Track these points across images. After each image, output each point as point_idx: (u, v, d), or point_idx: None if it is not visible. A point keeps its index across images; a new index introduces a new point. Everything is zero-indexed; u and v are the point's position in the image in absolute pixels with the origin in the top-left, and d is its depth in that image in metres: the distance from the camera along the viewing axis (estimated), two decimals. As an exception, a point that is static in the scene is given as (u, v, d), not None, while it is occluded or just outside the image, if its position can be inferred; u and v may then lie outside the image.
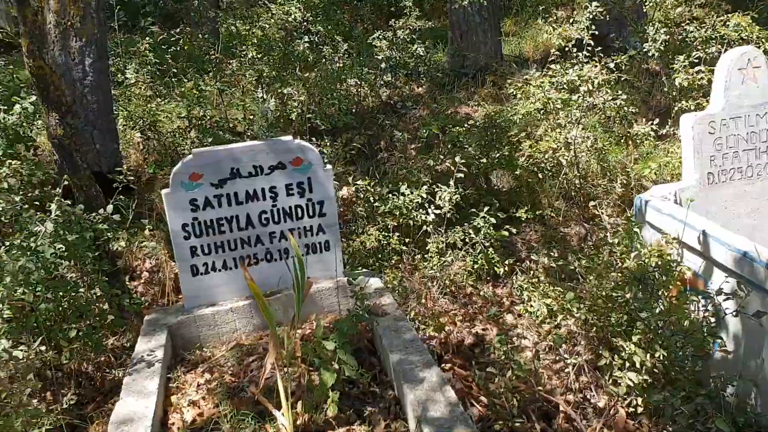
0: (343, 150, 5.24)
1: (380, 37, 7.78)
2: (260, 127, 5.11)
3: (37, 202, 4.75)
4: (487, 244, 4.26)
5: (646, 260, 3.43)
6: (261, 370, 3.11)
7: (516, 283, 3.72)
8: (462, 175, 4.29)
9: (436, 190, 4.38)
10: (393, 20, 8.44)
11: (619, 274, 3.40)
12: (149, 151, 6.11)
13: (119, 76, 7.19)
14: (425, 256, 4.50)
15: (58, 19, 5.37)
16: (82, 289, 3.63)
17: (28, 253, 2.95)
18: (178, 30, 6.64)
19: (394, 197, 4.42)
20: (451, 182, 4.30)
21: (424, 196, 4.36)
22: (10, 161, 4.79)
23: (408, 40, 8.00)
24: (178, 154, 5.52)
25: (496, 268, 4.35)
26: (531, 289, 3.57)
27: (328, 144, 5.11)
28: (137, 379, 2.94)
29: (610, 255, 3.56)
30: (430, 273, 4.34)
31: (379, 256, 4.57)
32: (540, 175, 4.84)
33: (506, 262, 4.35)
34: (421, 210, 4.46)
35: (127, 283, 4.58)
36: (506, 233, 4.32)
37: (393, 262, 4.55)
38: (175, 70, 6.50)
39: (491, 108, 7.04)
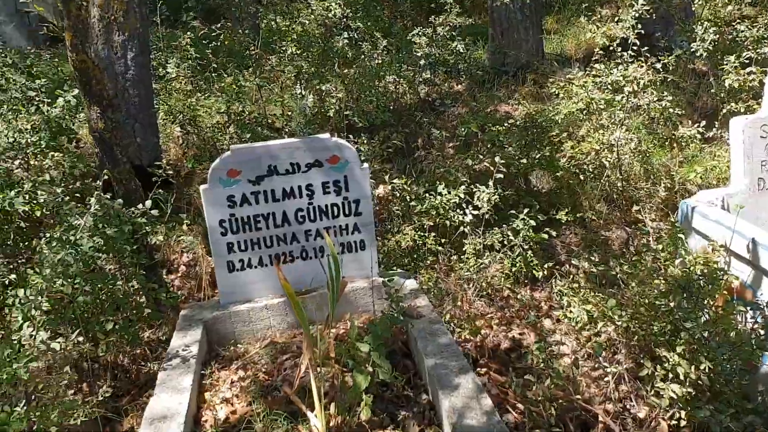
0: (380, 148, 5.19)
1: (420, 33, 7.72)
2: (298, 124, 5.09)
3: (77, 194, 4.83)
4: (525, 246, 4.17)
5: (692, 268, 3.32)
6: (294, 369, 3.09)
7: (556, 288, 3.63)
8: (501, 175, 4.21)
9: (475, 190, 4.31)
10: (433, 16, 8.36)
11: (663, 282, 3.30)
12: (188, 145, 6.15)
13: (160, 70, 7.26)
14: (461, 257, 4.43)
15: (101, 14, 5.43)
16: (119, 282, 3.66)
17: (68, 246, 2.97)
18: (219, 25, 6.66)
19: (431, 197, 4.36)
20: (490, 183, 4.22)
21: (462, 196, 4.29)
22: (52, 153, 4.86)
23: (448, 36, 7.92)
24: (216, 149, 5.54)
25: (534, 272, 4.26)
26: (571, 294, 3.49)
27: (365, 141, 5.07)
28: (172, 375, 2.94)
29: (654, 261, 3.45)
30: (466, 275, 4.27)
31: (415, 256, 4.52)
32: (581, 177, 4.73)
33: (545, 265, 4.27)
34: (458, 210, 4.39)
35: (165, 276, 4.61)
36: (546, 236, 4.22)
37: (428, 262, 4.49)
38: (215, 65, 6.52)
39: (532, 107, 6.95)
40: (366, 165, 3.55)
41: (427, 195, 4.40)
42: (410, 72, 7.30)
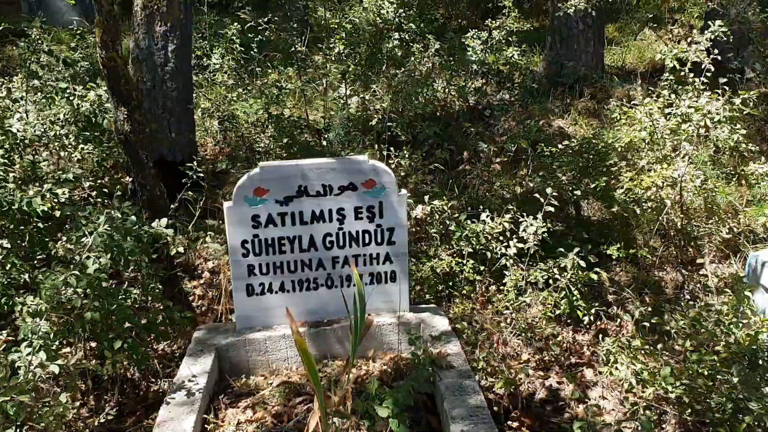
0: (421, 164, 4.88)
1: (474, 36, 7.37)
2: (336, 135, 4.82)
3: (105, 189, 4.65)
4: (573, 288, 3.84)
5: (759, 332, 2.95)
6: (307, 415, 2.84)
7: (603, 345, 3.29)
8: (552, 209, 3.87)
9: (522, 220, 3.98)
10: (489, 19, 8.01)
11: (724, 348, 2.94)
12: (227, 143, 5.95)
13: (204, 60, 7.08)
14: (500, 287, 4.13)
15: (144, 2, 5.24)
16: (135, 293, 3.46)
17: (71, 266, 2.77)
18: (267, 19, 6.42)
19: (472, 223, 4.05)
20: (540, 216, 3.88)
21: (507, 225, 3.97)
22: (82, 146, 4.69)
23: (503, 42, 7.56)
24: (252, 150, 5.31)
25: (579, 313, 3.92)
26: (618, 349, 3.16)
27: (406, 156, 4.77)
28: (174, 414, 2.71)
29: (716, 324, 3.09)
30: (505, 312, 3.96)
31: (450, 283, 4.22)
32: (637, 210, 4.36)
33: (592, 306, 3.93)
34: (502, 238, 4.07)
35: (187, 282, 4.40)
36: (595, 276, 3.88)
37: (464, 291, 4.19)
38: (259, 59, 6.29)
39: (585, 123, 6.55)
40: (404, 191, 3.26)
41: (467, 221, 4.09)
42: (460, 78, 6.98)
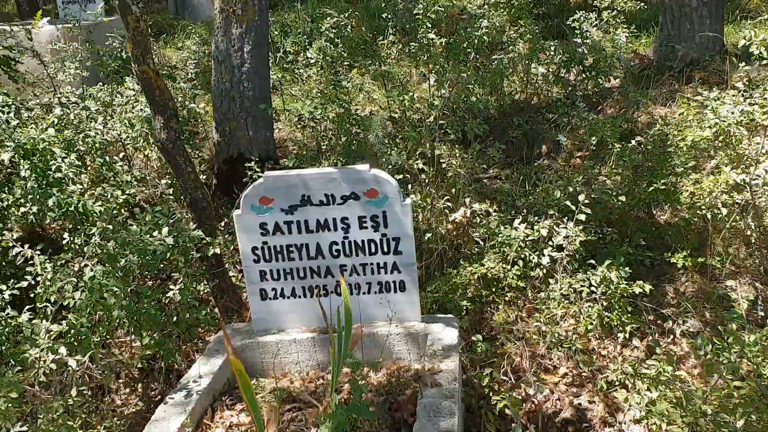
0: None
1: (581, 18, 6.94)
2: (375, 136, 4.73)
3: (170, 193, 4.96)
4: (611, 301, 3.56)
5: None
6: (292, 424, 2.89)
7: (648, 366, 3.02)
8: (582, 217, 3.60)
9: (561, 227, 3.74)
10: (598, 0, 7.54)
11: (747, 383, 2.60)
12: (305, 140, 6.09)
13: (302, 54, 7.27)
14: (540, 295, 3.93)
15: (222, 6, 5.48)
16: (159, 298, 3.67)
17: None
18: (348, 13, 6.45)
19: (508, 229, 3.87)
20: (570, 224, 3.62)
21: (545, 233, 3.75)
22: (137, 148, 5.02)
23: (612, 23, 7.07)
24: (321, 151, 5.40)
25: (626, 328, 3.64)
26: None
27: (457, 154, 4.59)
28: (167, 415, 2.87)
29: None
30: (546, 321, 3.77)
31: (493, 289, 4.08)
32: (708, 215, 3.94)
33: (638, 320, 3.64)
34: (542, 244, 3.87)
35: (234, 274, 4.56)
36: (639, 290, 3.57)
37: (508, 298, 4.04)
38: (342, 55, 6.34)
39: (692, 113, 5.97)
40: (408, 201, 3.19)
41: (502, 227, 3.91)
42: (554, 65, 6.60)
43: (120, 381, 3.95)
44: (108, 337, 3.68)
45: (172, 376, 4.00)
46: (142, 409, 3.61)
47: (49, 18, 10.51)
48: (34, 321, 3.19)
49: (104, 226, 3.52)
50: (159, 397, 3.86)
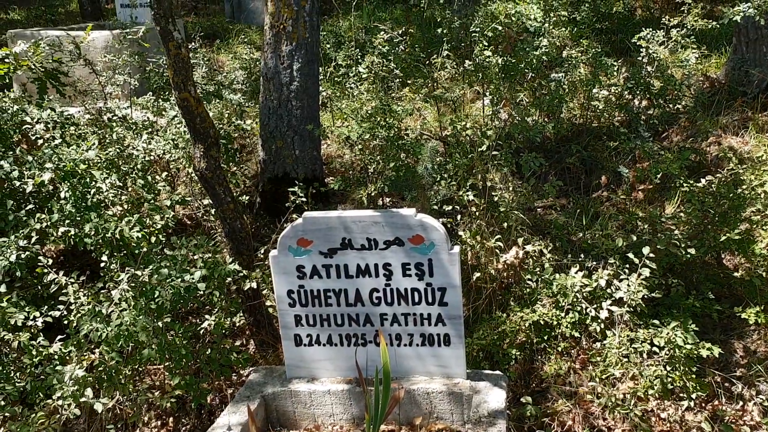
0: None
1: (647, 37, 6.57)
2: (424, 168, 4.50)
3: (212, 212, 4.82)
4: (674, 364, 3.26)
5: None
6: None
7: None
8: (648, 271, 3.30)
9: (623, 277, 3.44)
10: (667, 16, 7.12)
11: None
12: (353, 158, 5.91)
13: (354, 69, 7.08)
14: (595, 345, 3.65)
15: (272, 22, 5.34)
16: (191, 335, 3.52)
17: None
18: (403, 30, 6.24)
19: (565, 277, 3.60)
20: (632, 278, 3.33)
21: (603, 283, 3.46)
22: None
23: (680, 43, 6.66)
24: (367, 173, 5.19)
25: (695, 391, 3.33)
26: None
27: (510, 188, 4.32)
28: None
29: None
30: (601, 378, 3.49)
31: (546, 336, 3.81)
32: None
33: (703, 381, 3.33)
34: (600, 293, 3.58)
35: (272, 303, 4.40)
36: (707, 352, 3.26)
37: (561, 348, 3.76)
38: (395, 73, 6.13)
39: (765, 143, 5.55)
40: (456, 249, 2.95)
41: (557, 275, 3.64)
42: (621, 86, 6.25)
43: (152, 413, 3.83)
44: (140, 368, 3.57)
45: (204, 411, 3.86)
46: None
47: (107, 21, 10.63)
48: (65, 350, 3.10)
49: (141, 255, 3.40)
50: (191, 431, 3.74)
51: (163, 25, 3.26)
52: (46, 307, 3.43)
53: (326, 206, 5.47)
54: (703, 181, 4.09)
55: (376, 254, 2.98)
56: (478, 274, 3.96)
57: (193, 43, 8.54)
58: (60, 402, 2.81)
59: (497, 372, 3.21)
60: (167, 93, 5.95)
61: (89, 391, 2.95)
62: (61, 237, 3.90)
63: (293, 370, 3.24)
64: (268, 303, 4.21)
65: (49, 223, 3.88)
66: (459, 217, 4.31)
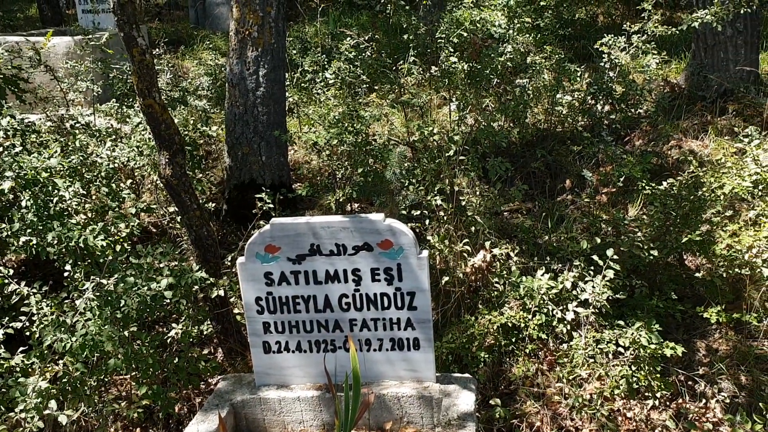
0: (496, 197, 4.43)
1: (608, 43, 6.68)
2: (393, 173, 4.53)
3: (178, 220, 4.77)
4: (639, 364, 3.32)
5: None
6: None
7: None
8: (612, 273, 3.36)
9: (587, 279, 3.50)
10: (628, 22, 7.25)
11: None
12: (320, 164, 5.90)
13: (321, 74, 7.07)
14: (562, 346, 3.69)
15: (237, 28, 5.31)
16: (157, 344, 3.48)
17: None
18: (368, 36, 6.25)
19: (531, 279, 3.64)
20: (597, 279, 3.39)
21: (569, 285, 3.51)
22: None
23: (641, 49, 6.79)
24: (335, 179, 5.19)
25: (659, 390, 3.39)
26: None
27: (477, 191, 4.36)
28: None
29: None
30: (568, 379, 3.53)
31: (513, 339, 3.84)
32: (741, 271, 3.68)
33: (668, 380, 3.39)
34: (566, 295, 3.63)
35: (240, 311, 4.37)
36: (671, 351, 3.32)
37: (529, 350, 3.80)
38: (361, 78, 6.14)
39: (723, 146, 5.69)
40: (425, 253, 2.97)
41: (524, 277, 3.68)
42: (584, 92, 6.35)
43: (118, 423, 3.77)
44: (105, 379, 3.51)
45: (172, 420, 3.81)
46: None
47: (69, 27, 10.44)
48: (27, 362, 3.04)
49: (105, 264, 3.35)
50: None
51: (127, 31, 3.23)
52: (6, 318, 3.36)
53: (294, 213, 5.45)
54: (664, 183, 4.17)
55: (345, 260, 2.98)
56: (446, 278, 3.98)
57: (157, 49, 8.46)
58: (23, 415, 2.75)
59: (466, 375, 3.24)
60: (131, 100, 5.87)
61: (53, 403, 2.90)
62: (22, 246, 3.83)
63: (262, 378, 3.22)
64: (236, 310, 4.17)
65: (9, 232, 3.81)
66: (427, 221, 4.33)
